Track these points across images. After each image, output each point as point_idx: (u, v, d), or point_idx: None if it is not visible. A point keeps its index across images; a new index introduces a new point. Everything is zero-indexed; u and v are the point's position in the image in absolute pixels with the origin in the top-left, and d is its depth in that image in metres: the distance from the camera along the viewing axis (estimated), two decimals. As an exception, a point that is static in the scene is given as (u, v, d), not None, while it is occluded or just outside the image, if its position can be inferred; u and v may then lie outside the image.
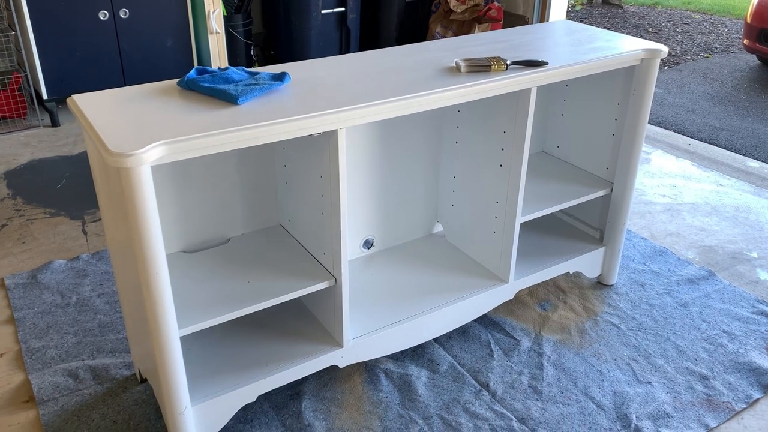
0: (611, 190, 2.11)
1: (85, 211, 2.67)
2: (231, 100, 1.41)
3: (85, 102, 1.44)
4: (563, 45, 1.90)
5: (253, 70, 1.58)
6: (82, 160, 3.14)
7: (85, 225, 2.57)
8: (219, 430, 1.59)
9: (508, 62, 1.67)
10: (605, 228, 2.18)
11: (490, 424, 1.68)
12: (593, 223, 2.24)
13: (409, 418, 1.70)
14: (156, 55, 3.67)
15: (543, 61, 1.69)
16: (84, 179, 2.94)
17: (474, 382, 1.81)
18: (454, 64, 1.69)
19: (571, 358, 1.90)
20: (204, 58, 3.80)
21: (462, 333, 2.00)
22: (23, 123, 3.55)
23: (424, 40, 4.32)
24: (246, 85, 1.46)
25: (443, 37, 4.21)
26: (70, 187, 2.87)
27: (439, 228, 2.22)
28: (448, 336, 1.98)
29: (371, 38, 4.44)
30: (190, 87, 1.48)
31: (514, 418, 1.70)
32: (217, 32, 3.71)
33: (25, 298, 2.13)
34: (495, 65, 1.64)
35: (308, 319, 1.80)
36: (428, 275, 1.99)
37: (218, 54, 3.75)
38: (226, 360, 1.66)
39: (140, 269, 1.30)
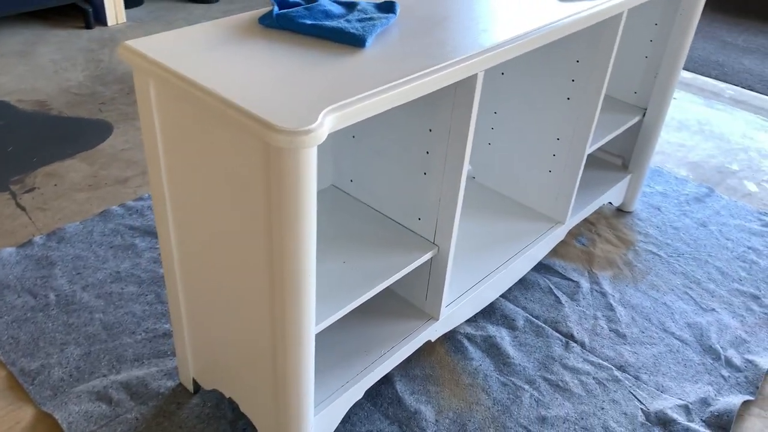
0: (643, 116, 2.04)
1: (9, 180, 2.11)
2: (356, 42, 1.09)
3: (155, 50, 1.04)
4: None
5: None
6: (-33, 111, 2.48)
7: (18, 198, 2.04)
8: (330, 438, 1.35)
9: (607, -17, 1.48)
10: (630, 155, 2.12)
11: (594, 378, 1.60)
12: (613, 150, 2.17)
13: (514, 385, 1.56)
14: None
15: (635, -19, 1.52)
16: (-17, 137, 2.33)
17: (557, 335, 1.71)
18: (549, -13, 1.46)
19: (633, 294, 1.86)
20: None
21: (520, 281, 1.87)
22: None
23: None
24: (359, 21, 1.14)
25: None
26: (-31, 149, 2.26)
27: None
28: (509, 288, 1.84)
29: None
30: (283, 26, 1.13)
31: (612, 366, 1.63)
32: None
33: (-18, 304, 1.65)
34: (597, -13, 1.44)
35: (381, 291, 1.57)
36: (480, 225, 1.81)
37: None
38: (322, 356, 1.39)
39: (285, 274, 0.99)
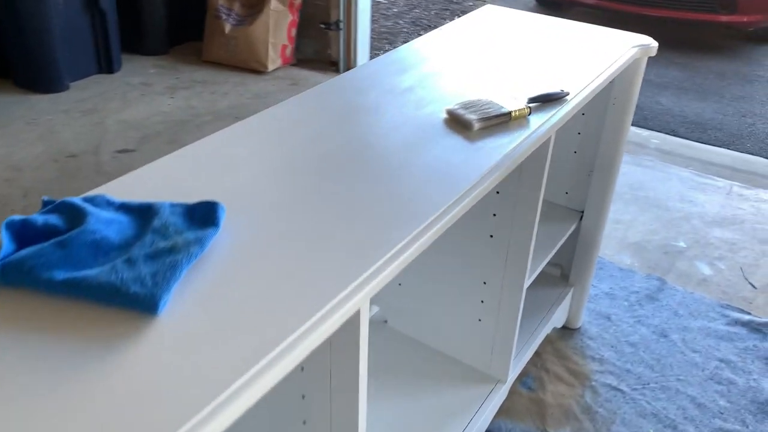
0: (580, 220, 1.67)
1: None
2: (140, 307, 0.63)
3: None
4: (542, 51, 1.36)
5: (131, 201, 0.78)
6: None
7: None
8: None
9: (527, 102, 1.08)
10: (571, 263, 1.74)
11: None
12: (550, 259, 1.79)
13: None
14: None
15: (563, 91, 1.13)
16: None
17: None
18: (450, 116, 1.05)
19: (600, 459, 1.47)
20: None
21: (459, 465, 1.44)
22: None
23: (202, 15, 3.44)
24: (151, 257, 0.68)
25: (229, 10, 3.38)
26: None
27: (375, 309, 1.60)
28: (445, 477, 1.41)
29: (133, 18, 3.42)
30: (14, 283, 0.65)
31: None
32: None
33: None
34: (516, 112, 1.04)
35: None
36: (401, 393, 1.38)
37: None
38: None
39: None
